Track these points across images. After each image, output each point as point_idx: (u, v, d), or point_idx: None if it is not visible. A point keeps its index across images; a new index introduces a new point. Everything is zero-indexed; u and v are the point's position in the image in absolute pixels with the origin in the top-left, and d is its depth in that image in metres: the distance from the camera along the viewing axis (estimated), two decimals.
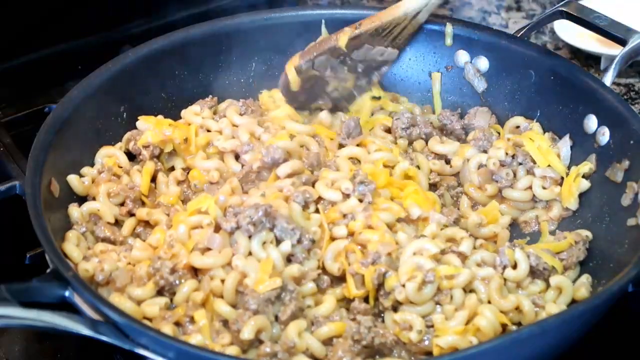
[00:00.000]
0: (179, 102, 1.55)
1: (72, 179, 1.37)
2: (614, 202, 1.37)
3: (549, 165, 1.44)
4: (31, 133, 1.35)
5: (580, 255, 1.35)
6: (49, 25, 1.75)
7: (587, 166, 1.42)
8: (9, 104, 1.67)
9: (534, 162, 1.45)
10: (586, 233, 1.37)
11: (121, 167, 1.43)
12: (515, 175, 1.45)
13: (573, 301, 1.29)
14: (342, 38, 1.49)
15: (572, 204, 1.41)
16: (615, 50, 1.49)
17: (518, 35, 1.56)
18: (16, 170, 1.38)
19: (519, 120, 1.52)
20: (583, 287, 1.30)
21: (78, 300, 1.15)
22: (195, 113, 1.52)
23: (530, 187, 1.44)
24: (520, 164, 1.45)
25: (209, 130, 1.49)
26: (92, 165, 1.42)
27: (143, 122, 1.47)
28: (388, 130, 1.54)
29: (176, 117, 1.52)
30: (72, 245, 1.29)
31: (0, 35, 1.71)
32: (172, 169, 1.46)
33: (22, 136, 1.49)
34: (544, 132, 1.49)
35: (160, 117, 1.49)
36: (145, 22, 1.85)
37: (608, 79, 1.45)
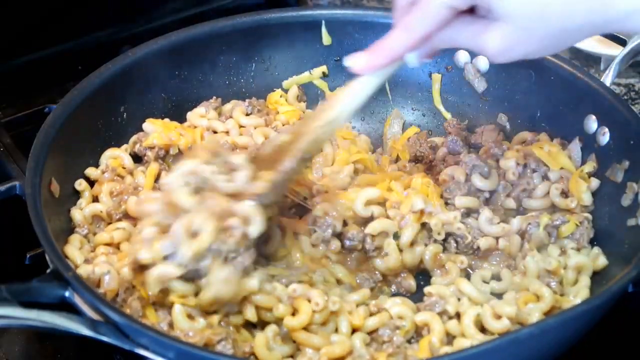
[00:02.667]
0: (179, 102, 1.55)
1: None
2: (614, 203, 1.37)
3: (562, 168, 1.43)
4: (31, 133, 1.35)
5: (590, 233, 1.36)
6: (49, 25, 1.75)
7: (591, 165, 1.42)
8: (9, 104, 1.67)
9: (548, 167, 1.44)
10: (585, 214, 1.38)
11: (125, 168, 1.43)
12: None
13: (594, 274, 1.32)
14: None
15: (585, 199, 1.40)
16: (615, 50, 1.50)
17: None
18: (16, 170, 1.38)
19: (525, 135, 1.51)
20: (598, 258, 1.32)
21: (78, 301, 1.15)
22: (200, 115, 1.52)
23: (548, 194, 1.41)
24: (535, 171, 1.44)
25: (215, 132, 1.49)
26: (92, 165, 1.42)
27: (149, 124, 1.47)
28: None
29: (177, 117, 1.53)
30: (74, 249, 1.29)
31: (0, 35, 1.71)
32: None
33: (22, 136, 1.49)
34: (552, 140, 1.48)
35: (167, 120, 1.50)
36: (145, 22, 1.85)
37: (608, 79, 1.46)
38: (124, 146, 1.47)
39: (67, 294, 1.16)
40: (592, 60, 1.85)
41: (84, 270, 1.25)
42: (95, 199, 1.39)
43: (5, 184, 1.34)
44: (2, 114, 1.63)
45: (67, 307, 1.15)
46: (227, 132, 1.50)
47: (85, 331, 1.13)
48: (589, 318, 1.20)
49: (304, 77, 1.62)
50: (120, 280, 1.24)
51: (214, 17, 1.60)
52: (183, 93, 1.55)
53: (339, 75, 1.62)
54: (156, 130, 1.45)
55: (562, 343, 1.20)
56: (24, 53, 1.75)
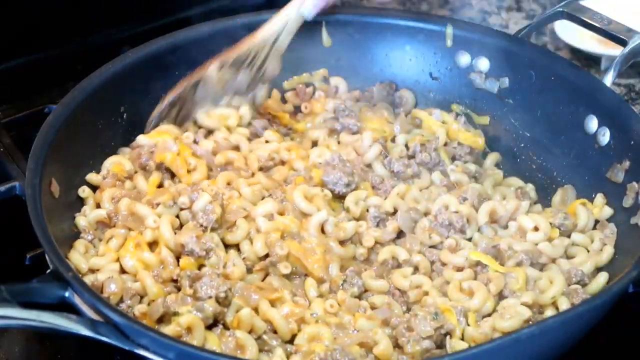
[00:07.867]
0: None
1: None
2: (615, 203, 1.37)
3: None
4: (31, 133, 1.35)
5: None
6: (49, 25, 1.75)
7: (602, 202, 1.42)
8: (9, 104, 1.67)
9: None
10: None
11: (125, 173, 1.42)
12: None
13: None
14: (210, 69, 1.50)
15: None
16: (615, 50, 1.50)
17: (518, 36, 1.56)
18: (16, 170, 1.38)
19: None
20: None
21: (78, 301, 1.15)
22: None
23: None
24: None
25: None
26: (93, 165, 1.42)
27: (144, 138, 1.46)
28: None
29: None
30: (78, 255, 1.29)
31: (0, 35, 1.71)
32: None
33: (22, 136, 1.49)
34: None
35: (163, 127, 1.49)
36: (145, 22, 1.85)
37: (608, 79, 1.46)
38: (125, 149, 1.46)
39: (67, 294, 1.16)
40: (593, 61, 1.85)
41: (87, 278, 1.25)
42: (99, 205, 1.38)
43: (5, 185, 1.35)
44: (2, 114, 1.63)
45: (67, 308, 1.15)
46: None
47: (85, 332, 1.13)
48: (589, 318, 1.20)
49: (304, 77, 1.62)
50: (123, 286, 1.25)
51: (214, 17, 1.60)
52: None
53: (340, 76, 1.62)
54: (162, 148, 1.43)
55: (562, 343, 1.21)
56: (24, 53, 1.75)
